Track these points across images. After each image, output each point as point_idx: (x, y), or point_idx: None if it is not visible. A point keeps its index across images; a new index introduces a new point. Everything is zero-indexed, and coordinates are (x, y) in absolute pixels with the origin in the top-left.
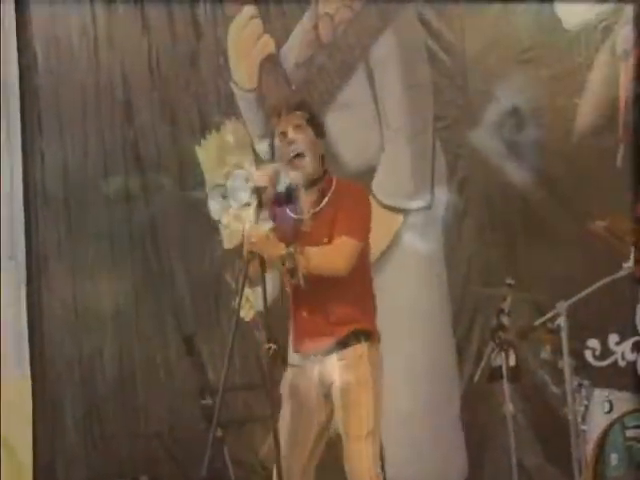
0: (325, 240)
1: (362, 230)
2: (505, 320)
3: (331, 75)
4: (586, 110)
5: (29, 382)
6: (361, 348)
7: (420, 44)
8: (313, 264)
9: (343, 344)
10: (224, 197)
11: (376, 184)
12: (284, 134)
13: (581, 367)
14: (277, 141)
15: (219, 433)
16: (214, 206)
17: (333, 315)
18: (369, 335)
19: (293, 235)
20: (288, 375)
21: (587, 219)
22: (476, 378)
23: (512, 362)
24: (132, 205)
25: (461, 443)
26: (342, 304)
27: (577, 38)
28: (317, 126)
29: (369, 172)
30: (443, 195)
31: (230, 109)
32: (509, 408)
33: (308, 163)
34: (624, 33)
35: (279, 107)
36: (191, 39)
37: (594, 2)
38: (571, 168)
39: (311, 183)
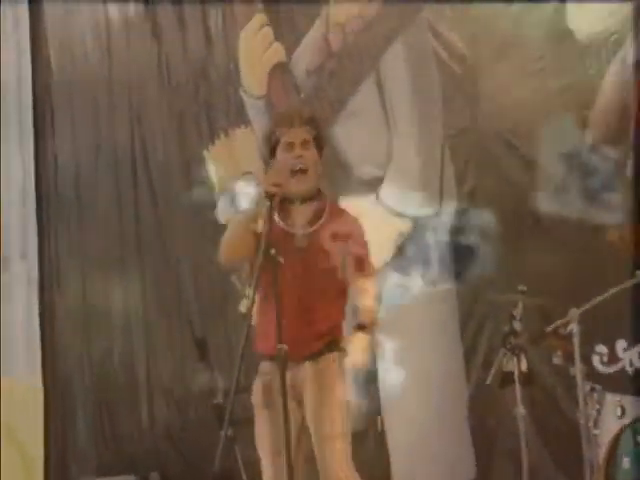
0: (325, 264)
1: (373, 267)
2: (517, 326)
3: (341, 83)
4: (597, 121)
5: (40, 380)
6: (333, 356)
7: (430, 53)
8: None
9: (318, 354)
10: (232, 203)
11: (384, 191)
12: (291, 145)
13: (593, 372)
14: (281, 150)
15: (230, 432)
16: (222, 211)
17: (315, 327)
18: (339, 344)
19: (288, 249)
20: (258, 385)
21: (598, 228)
22: (488, 382)
23: (524, 367)
24: (141, 208)
25: (469, 447)
26: (324, 317)
27: (588, 49)
28: (320, 144)
29: (377, 180)
30: (452, 203)
31: (239, 116)
32: (520, 412)
33: (309, 179)
34: (636, 45)
35: (290, 118)
36: (201, 45)
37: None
38: (581, 178)
39: (306, 200)
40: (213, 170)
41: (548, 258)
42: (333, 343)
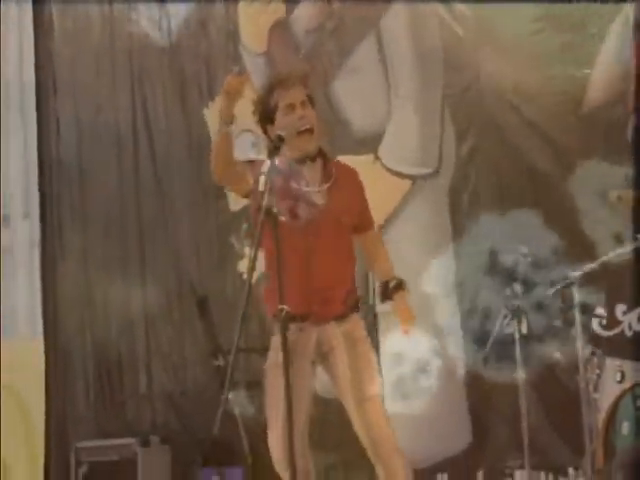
0: (345, 218)
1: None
2: (518, 288)
3: (341, 40)
4: (597, 81)
5: (42, 343)
6: (357, 316)
7: (431, 12)
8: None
9: (343, 315)
10: None
11: (383, 150)
12: (292, 107)
13: (593, 336)
14: (282, 114)
15: (231, 395)
16: None
17: (337, 287)
18: (358, 305)
19: (309, 208)
20: (276, 344)
21: (598, 190)
22: (488, 345)
23: (524, 330)
24: (141, 170)
25: (465, 411)
26: (344, 276)
27: (590, 8)
28: (313, 103)
29: (376, 137)
30: (451, 163)
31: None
32: (521, 375)
33: (316, 138)
34: (637, 4)
35: (287, 79)
36: (201, 3)
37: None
38: (581, 139)
39: (313, 159)
40: (212, 127)
41: (547, 221)
42: (354, 304)
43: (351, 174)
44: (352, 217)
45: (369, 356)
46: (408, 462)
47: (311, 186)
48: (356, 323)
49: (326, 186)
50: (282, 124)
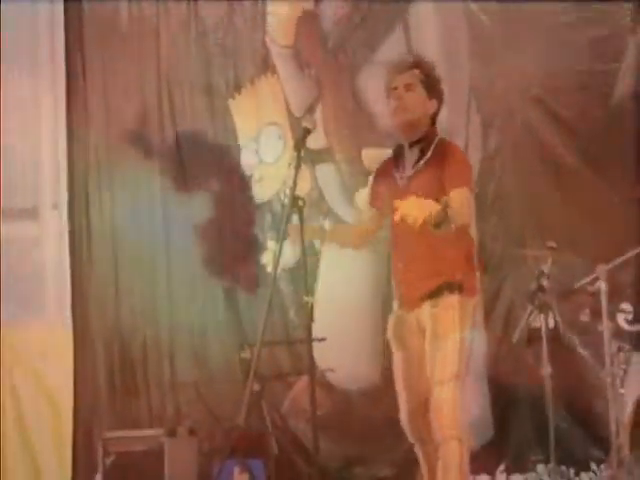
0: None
1: (471, 181)
2: (545, 282)
3: (368, 33)
4: (626, 75)
5: (70, 330)
6: (452, 299)
7: (459, 3)
8: (460, 218)
9: (435, 294)
10: (256, 153)
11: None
12: (395, 89)
13: (619, 330)
14: (389, 98)
15: (257, 387)
16: (246, 162)
17: (428, 268)
18: (461, 288)
19: (394, 195)
20: (391, 324)
21: (625, 184)
22: (514, 340)
23: (551, 324)
24: (166, 160)
25: (487, 404)
26: (435, 258)
27: (620, 1)
28: (431, 86)
29: None
30: (477, 156)
31: (265, 65)
32: (547, 370)
33: (409, 118)
34: None
35: (397, 66)
36: None
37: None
38: (609, 132)
39: (415, 142)
40: (238, 119)
41: (575, 214)
42: (452, 284)
43: (446, 153)
44: (436, 195)
45: (449, 340)
46: (467, 449)
47: (405, 172)
48: (448, 306)
49: (413, 171)
50: (389, 107)
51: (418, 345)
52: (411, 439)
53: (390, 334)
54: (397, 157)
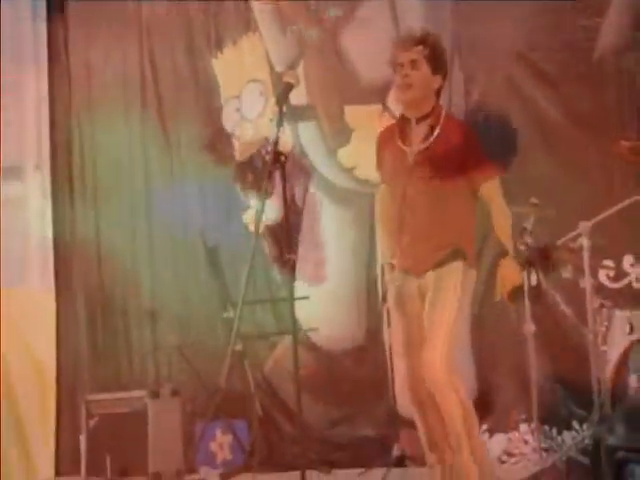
0: (433, 176)
1: (493, 165)
2: (528, 239)
3: None
4: (608, 30)
5: (53, 294)
6: (456, 265)
7: None
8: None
9: (441, 263)
10: (238, 110)
11: (391, 99)
12: (400, 66)
13: (602, 288)
14: (395, 74)
15: (239, 347)
16: (227, 118)
17: (434, 239)
18: (465, 255)
19: (401, 170)
20: (392, 290)
21: (608, 140)
22: (497, 298)
23: (533, 281)
24: (148, 121)
25: (470, 363)
26: (444, 229)
27: None
28: (436, 62)
29: (385, 87)
30: (460, 110)
31: (247, 23)
32: (530, 327)
33: (413, 92)
34: None
35: (403, 42)
36: None
37: None
38: (592, 88)
39: (422, 117)
40: (220, 77)
41: (558, 170)
42: (459, 252)
43: (455, 131)
44: (445, 173)
45: (447, 299)
46: (464, 394)
47: (412, 147)
48: (453, 269)
49: (423, 146)
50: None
51: (418, 310)
52: (411, 404)
53: (391, 303)
54: (402, 128)
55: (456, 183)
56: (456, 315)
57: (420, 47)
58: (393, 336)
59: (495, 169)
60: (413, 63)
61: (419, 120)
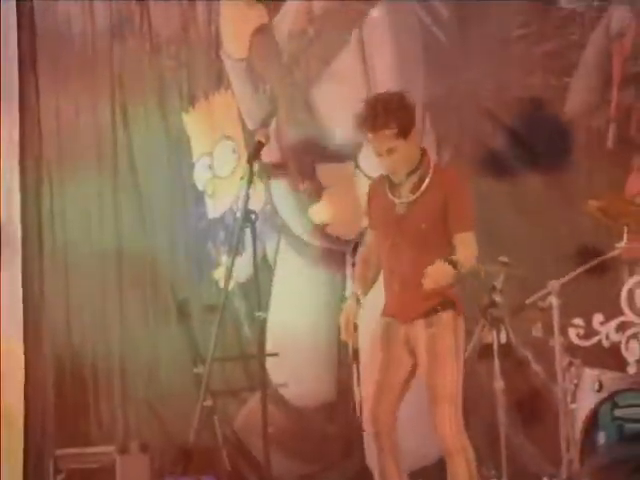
0: (423, 226)
1: (474, 221)
2: (497, 297)
3: (322, 47)
4: (578, 89)
5: (22, 345)
6: (447, 317)
7: (414, 18)
8: (468, 263)
9: (430, 312)
10: (210, 167)
11: (364, 158)
12: (378, 154)
13: (571, 346)
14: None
15: (209, 402)
16: (199, 176)
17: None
18: (454, 304)
19: (390, 220)
20: (377, 330)
21: (577, 199)
22: (466, 354)
23: (503, 339)
24: (119, 173)
25: None
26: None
27: (572, 16)
28: (408, 131)
29: (357, 145)
30: None
31: (220, 79)
32: (499, 385)
33: (402, 170)
34: (619, 13)
35: (371, 122)
36: (184, 6)
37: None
38: (561, 148)
39: (411, 172)
40: (192, 133)
41: (528, 229)
42: (447, 302)
43: (446, 181)
44: (435, 222)
45: (448, 359)
46: (473, 460)
47: (402, 198)
48: (444, 324)
49: (413, 197)
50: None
51: (401, 355)
52: (367, 428)
53: (377, 336)
54: (392, 180)
55: (441, 233)
56: (459, 376)
57: (390, 131)
58: (365, 369)
59: (472, 224)
60: (390, 151)
61: (408, 175)
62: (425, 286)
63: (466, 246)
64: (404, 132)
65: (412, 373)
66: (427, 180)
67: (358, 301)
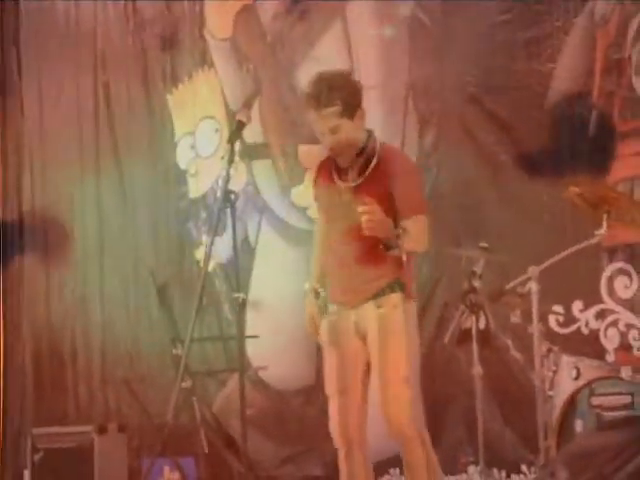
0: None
1: (425, 203)
2: (477, 283)
3: (307, 28)
4: (561, 75)
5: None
6: (396, 298)
7: (399, 2)
8: (412, 244)
9: (379, 294)
10: (192, 147)
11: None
12: (322, 133)
13: (550, 333)
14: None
15: (188, 383)
16: (182, 155)
17: (371, 272)
18: (404, 287)
19: (335, 203)
20: (325, 324)
21: (559, 185)
22: (446, 340)
23: (482, 325)
24: (102, 154)
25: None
26: (380, 261)
27: (556, 2)
28: (353, 110)
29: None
30: (413, 153)
31: (203, 59)
32: (478, 371)
33: (346, 151)
34: None
35: (315, 100)
36: None
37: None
38: (544, 133)
39: (357, 154)
40: (175, 113)
41: (509, 214)
42: (396, 284)
43: (392, 164)
44: (381, 206)
45: (399, 339)
46: (430, 445)
47: (350, 182)
48: (393, 305)
49: (359, 181)
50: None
51: (355, 348)
52: (337, 442)
53: (324, 338)
54: (337, 164)
55: (392, 216)
56: (414, 359)
57: (334, 108)
58: (325, 375)
59: (424, 207)
60: (333, 130)
61: (354, 157)
62: (363, 225)
63: (418, 229)
64: (349, 111)
65: (370, 365)
66: (373, 163)
67: (317, 294)
